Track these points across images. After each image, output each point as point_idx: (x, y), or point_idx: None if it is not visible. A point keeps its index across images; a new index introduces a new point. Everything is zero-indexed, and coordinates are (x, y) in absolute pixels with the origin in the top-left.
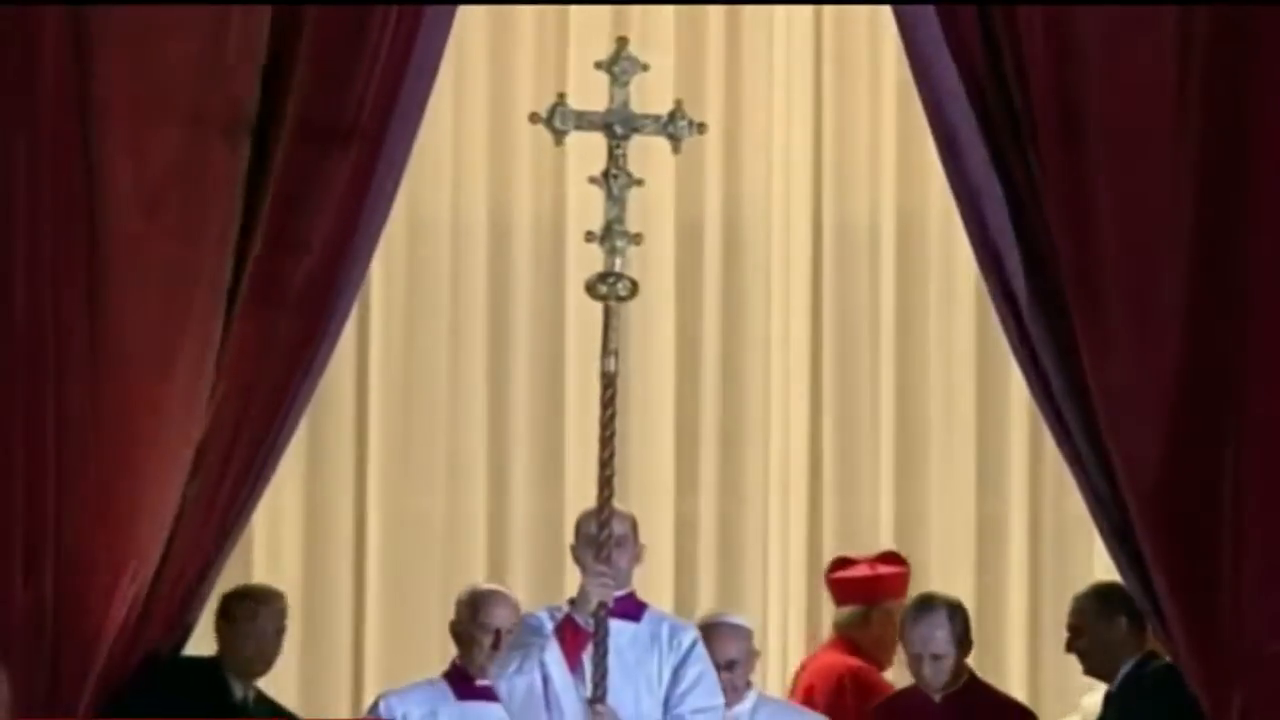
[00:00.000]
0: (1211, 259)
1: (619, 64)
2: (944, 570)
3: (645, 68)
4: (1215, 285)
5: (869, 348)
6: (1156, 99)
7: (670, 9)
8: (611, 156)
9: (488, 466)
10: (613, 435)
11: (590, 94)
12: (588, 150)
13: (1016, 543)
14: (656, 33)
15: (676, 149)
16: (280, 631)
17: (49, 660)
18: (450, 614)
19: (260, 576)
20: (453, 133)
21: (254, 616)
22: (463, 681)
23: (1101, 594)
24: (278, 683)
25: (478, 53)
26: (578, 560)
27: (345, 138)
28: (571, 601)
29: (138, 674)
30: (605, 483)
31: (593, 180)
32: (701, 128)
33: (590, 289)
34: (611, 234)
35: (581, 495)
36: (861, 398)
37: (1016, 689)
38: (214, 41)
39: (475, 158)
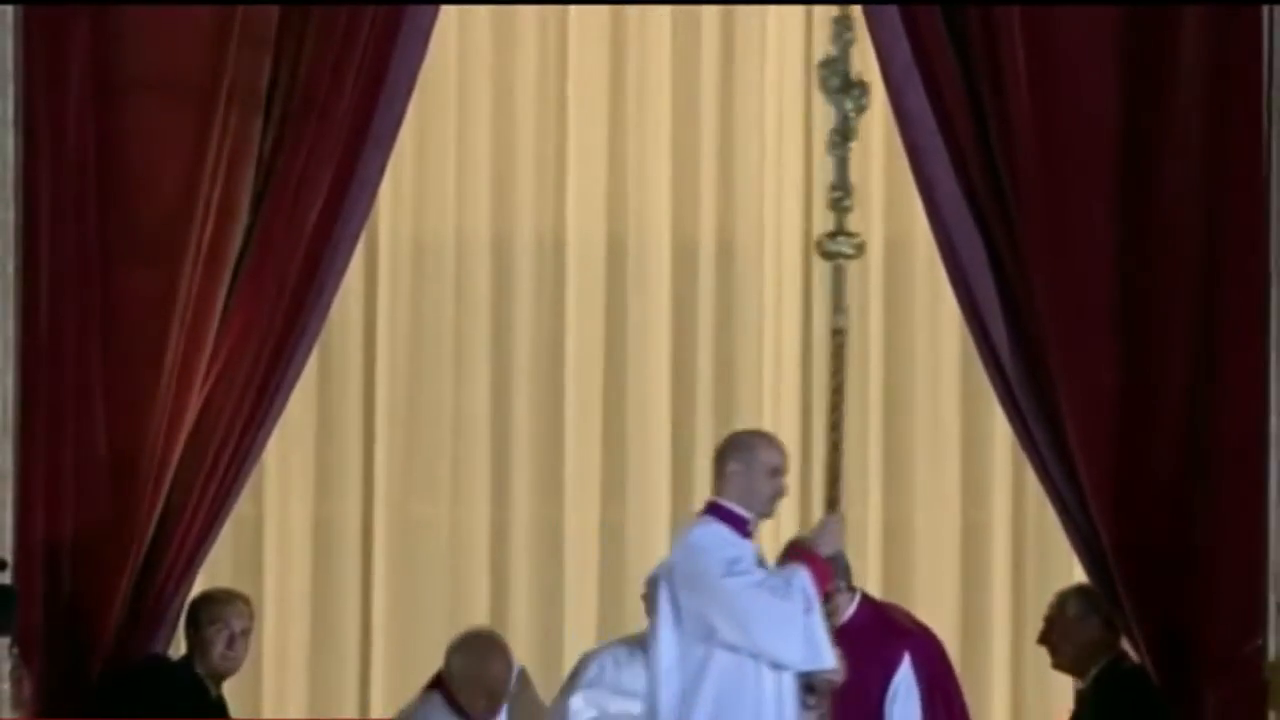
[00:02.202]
0: (1184, 287)
1: (850, 31)
2: (929, 577)
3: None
4: (1188, 306)
5: (857, 363)
6: (1132, 133)
7: (667, 40)
8: (844, 119)
9: (490, 477)
10: (842, 395)
11: (590, 104)
12: (588, 167)
13: (999, 551)
14: (653, 69)
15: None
16: (246, 633)
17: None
18: (457, 617)
19: (271, 584)
20: (456, 153)
21: (220, 620)
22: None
23: (1083, 592)
24: (286, 690)
25: (480, 72)
26: (756, 488)
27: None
28: (737, 519)
29: (120, 676)
30: (835, 446)
31: (830, 142)
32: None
33: (819, 245)
34: (847, 193)
35: (581, 504)
36: (850, 411)
37: (1000, 692)
38: (225, 27)
39: (478, 177)
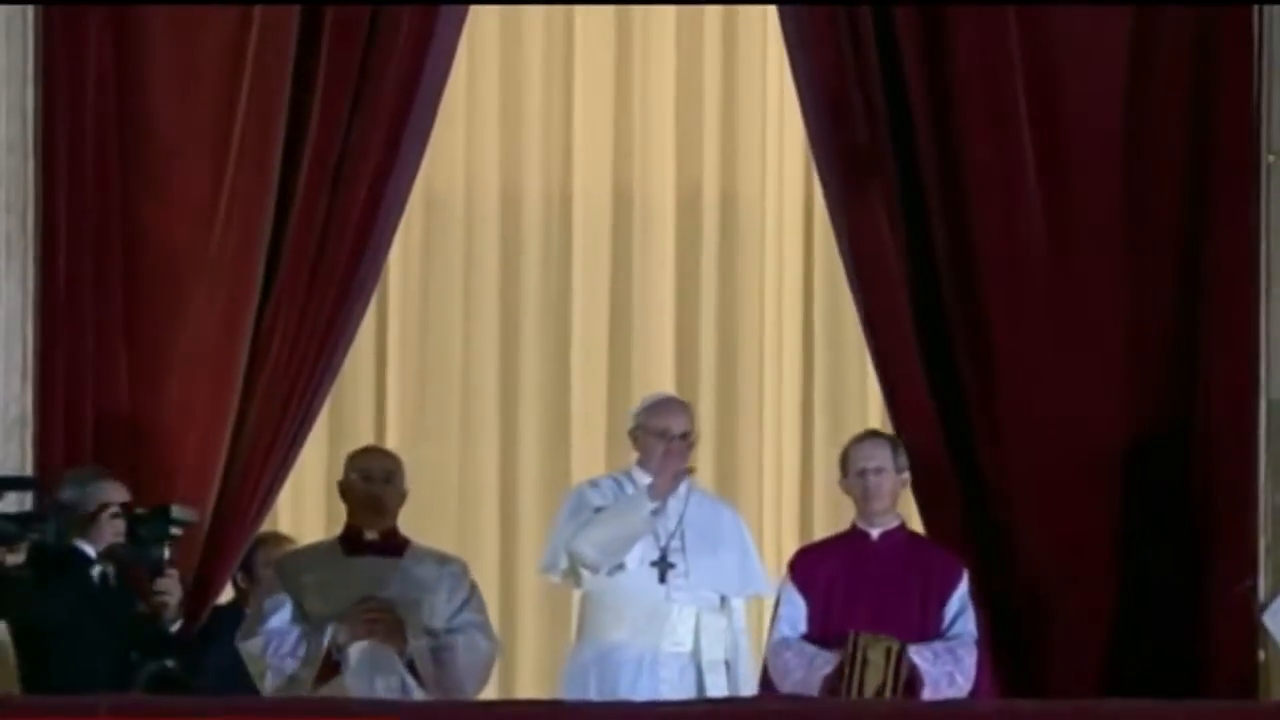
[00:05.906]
0: (1171, 286)
1: None
2: None
3: None
4: (1174, 304)
5: (854, 323)
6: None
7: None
8: None
9: (499, 431)
10: None
11: (595, 69)
12: (593, 129)
13: None
14: (659, 30)
15: None
16: None
17: None
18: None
19: (286, 528)
20: (465, 114)
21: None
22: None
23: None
24: None
25: (489, 34)
26: None
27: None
28: None
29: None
30: None
31: None
32: None
33: None
34: None
35: (586, 459)
36: (850, 374)
37: None
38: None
39: (487, 138)
